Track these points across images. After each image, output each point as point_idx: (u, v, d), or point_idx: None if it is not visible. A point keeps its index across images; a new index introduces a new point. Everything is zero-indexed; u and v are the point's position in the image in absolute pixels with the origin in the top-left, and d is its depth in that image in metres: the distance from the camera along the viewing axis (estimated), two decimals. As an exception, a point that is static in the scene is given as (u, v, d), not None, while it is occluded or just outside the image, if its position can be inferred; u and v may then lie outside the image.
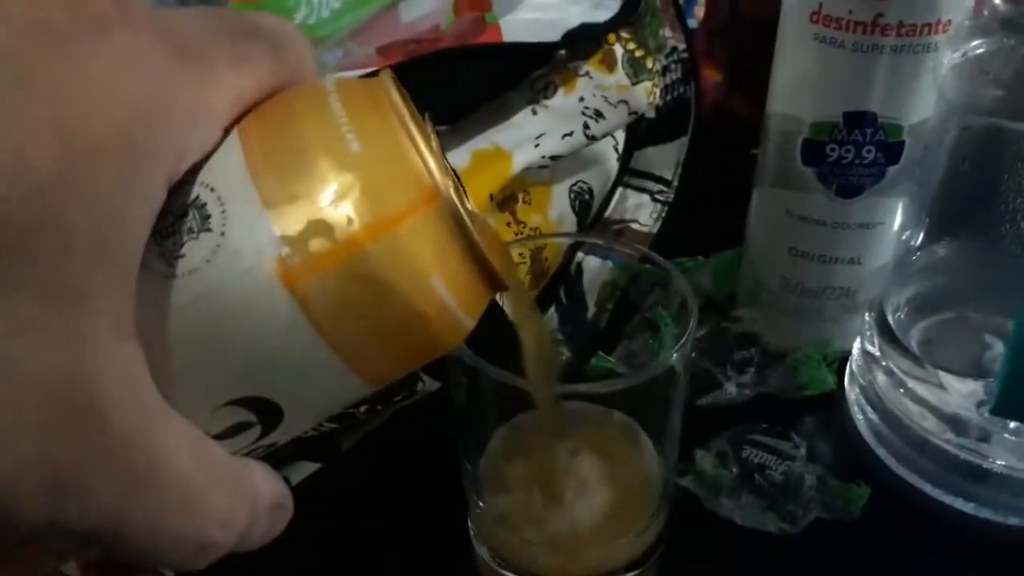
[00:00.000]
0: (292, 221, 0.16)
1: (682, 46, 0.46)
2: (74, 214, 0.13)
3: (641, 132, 0.46)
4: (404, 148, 0.17)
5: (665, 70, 0.46)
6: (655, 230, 0.47)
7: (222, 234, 0.16)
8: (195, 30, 0.16)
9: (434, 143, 0.19)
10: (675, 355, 0.25)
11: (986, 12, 0.29)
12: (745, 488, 0.33)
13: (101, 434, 0.14)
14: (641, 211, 0.48)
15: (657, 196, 0.48)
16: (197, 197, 0.16)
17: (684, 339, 0.26)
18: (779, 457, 0.33)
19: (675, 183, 0.48)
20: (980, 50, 0.29)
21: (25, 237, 0.13)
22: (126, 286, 0.14)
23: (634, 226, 0.48)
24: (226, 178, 0.17)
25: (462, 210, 0.17)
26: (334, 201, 0.16)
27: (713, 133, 0.49)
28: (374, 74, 0.21)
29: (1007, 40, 0.27)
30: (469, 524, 0.32)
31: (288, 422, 0.19)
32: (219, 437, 0.18)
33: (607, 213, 0.47)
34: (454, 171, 0.26)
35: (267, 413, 0.18)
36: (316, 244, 0.16)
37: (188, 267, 0.16)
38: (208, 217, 0.16)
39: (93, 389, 0.14)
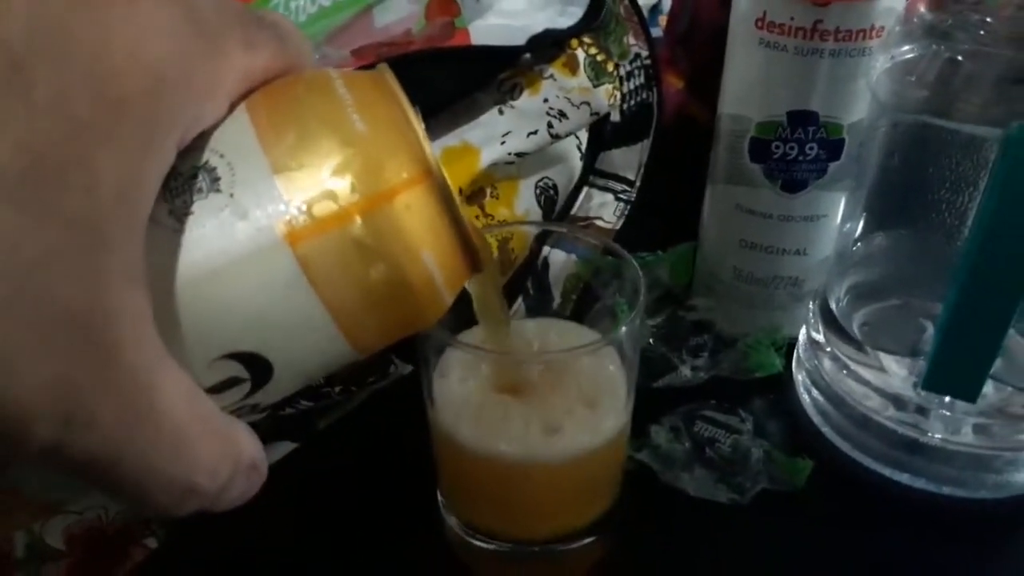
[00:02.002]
0: (299, 187, 0.18)
1: (645, 53, 0.49)
2: (102, 157, 0.15)
3: (606, 135, 0.49)
4: (404, 129, 0.19)
5: (629, 76, 0.49)
6: (618, 227, 0.49)
7: (231, 195, 0.18)
8: (210, 11, 0.18)
9: (422, 128, 0.21)
10: (624, 328, 0.27)
11: (915, 19, 0.31)
12: (697, 461, 0.35)
13: (110, 367, 0.15)
14: (605, 209, 0.50)
15: (620, 195, 0.50)
16: (207, 162, 0.18)
17: (633, 314, 0.28)
18: (728, 431, 0.35)
19: (637, 183, 0.51)
20: (909, 55, 0.31)
21: (60, 172, 0.14)
22: (138, 234, 0.16)
23: (599, 223, 0.50)
24: (236, 145, 0.18)
25: (452, 190, 0.19)
26: (339, 172, 0.18)
27: (674, 136, 0.51)
28: (369, 67, 0.23)
29: (931, 45, 0.30)
30: (438, 496, 0.34)
31: (276, 381, 0.20)
32: (211, 391, 0.19)
33: (573, 211, 0.50)
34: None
35: (258, 370, 0.20)
36: (320, 208, 0.18)
37: (196, 223, 0.18)
38: (218, 180, 0.18)
39: (107, 324, 0.15)
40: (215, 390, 0.20)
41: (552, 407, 0.29)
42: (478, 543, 0.32)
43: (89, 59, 0.15)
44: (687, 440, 0.35)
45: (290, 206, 0.18)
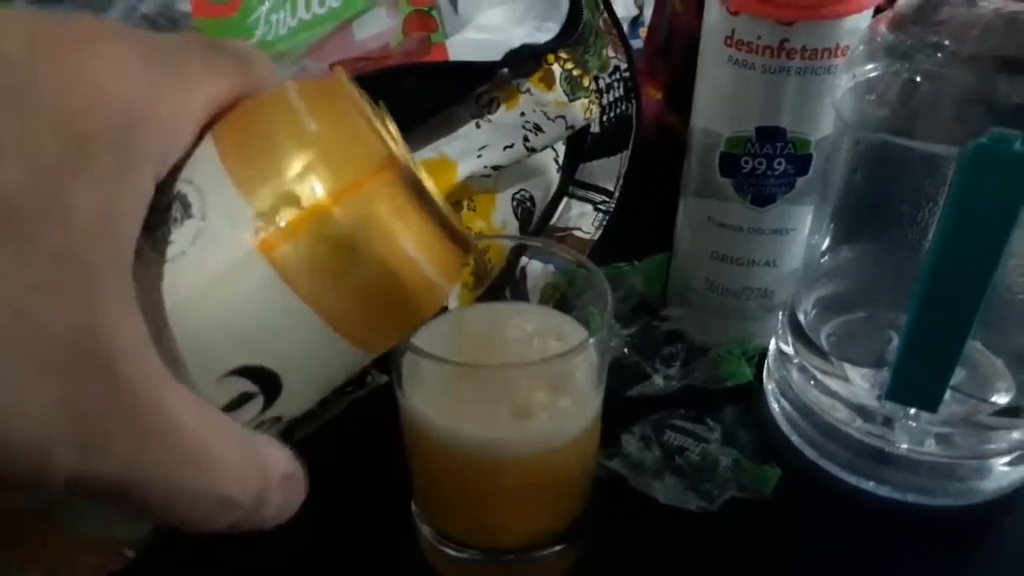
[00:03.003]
0: (263, 197, 0.18)
1: (624, 65, 0.49)
2: (76, 194, 0.15)
3: (586, 146, 0.49)
4: (356, 123, 0.19)
5: (608, 88, 0.49)
6: (596, 237, 0.50)
7: (203, 219, 0.18)
8: (171, 45, 0.18)
9: (390, 125, 0.21)
10: (592, 340, 0.28)
11: (877, 39, 0.32)
12: (668, 469, 0.36)
13: (115, 387, 0.16)
14: (584, 220, 0.51)
15: (600, 206, 0.51)
16: (179, 191, 0.19)
17: (601, 323, 0.29)
18: (696, 440, 0.36)
19: (616, 193, 0.51)
20: (871, 74, 0.32)
21: (36, 209, 0.15)
22: (124, 264, 0.17)
23: (577, 233, 0.51)
24: (203, 171, 0.19)
25: (418, 175, 0.20)
26: (299, 175, 0.19)
27: (653, 147, 0.52)
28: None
29: (892, 65, 0.31)
30: (412, 506, 0.34)
31: (289, 391, 0.20)
32: (227, 410, 0.20)
33: (553, 221, 0.50)
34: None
35: (266, 382, 0.20)
36: (286, 213, 0.18)
37: (176, 251, 0.18)
38: (190, 206, 0.19)
39: (106, 345, 0.16)
40: (230, 408, 0.20)
41: (521, 390, 0.30)
42: (451, 551, 0.33)
43: (53, 99, 0.16)
44: (657, 449, 0.36)
45: (257, 217, 0.18)
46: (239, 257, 0.18)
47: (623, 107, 0.50)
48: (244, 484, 0.19)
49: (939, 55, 0.29)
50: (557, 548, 0.33)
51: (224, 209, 0.19)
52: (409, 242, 0.19)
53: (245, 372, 0.20)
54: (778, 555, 0.34)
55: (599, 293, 0.33)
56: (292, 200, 0.19)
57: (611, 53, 0.49)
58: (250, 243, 0.18)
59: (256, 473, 0.19)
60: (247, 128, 0.19)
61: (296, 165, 0.19)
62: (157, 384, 0.17)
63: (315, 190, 0.19)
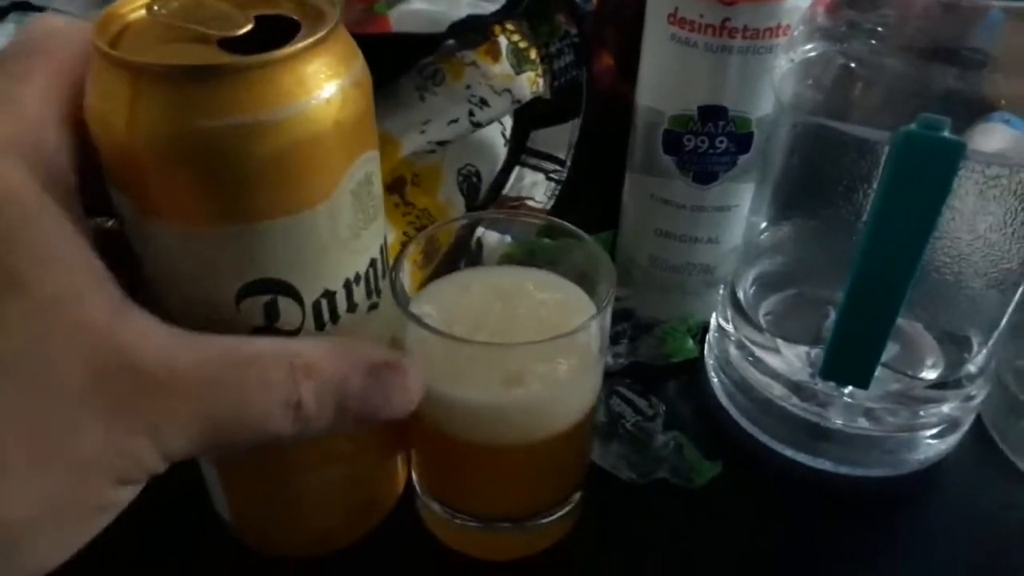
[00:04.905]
0: None
1: (575, 31, 0.49)
2: None
3: (536, 112, 0.49)
4: None
5: (559, 53, 0.49)
6: (548, 207, 0.50)
7: None
8: None
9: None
10: (593, 324, 0.28)
11: (815, 21, 0.32)
12: (615, 435, 0.36)
13: None
14: (536, 189, 0.51)
15: (552, 175, 0.51)
16: None
17: (606, 300, 0.29)
18: (634, 411, 0.37)
19: (568, 162, 0.51)
20: (810, 54, 0.32)
21: None
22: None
23: (530, 203, 0.50)
24: None
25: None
26: None
27: (607, 115, 0.52)
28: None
29: (828, 48, 0.31)
30: (412, 476, 0.34)
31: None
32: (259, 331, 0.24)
33: (505, 191, 0.50)
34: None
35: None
36: None
37: None
38: None
39: None
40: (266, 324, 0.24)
41: (520, 362, 0.29)
42: (451, 519, 0.33)
43: None
44: (604, 414, 0.37)
45: None
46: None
47: (573, 73, 0.50)
48: (280, 382, 0.21)
49: (873, 41, 0.30)
50: (556, 515, 0.33)
51: None
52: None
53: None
54: (710, 527, 0.35)
55: (601, 263, 0.32)
56: None
57: (562, 18, 0.49)
58: None
59: (282, 371, 0.21)
60: None
61: None
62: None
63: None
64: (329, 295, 0.25)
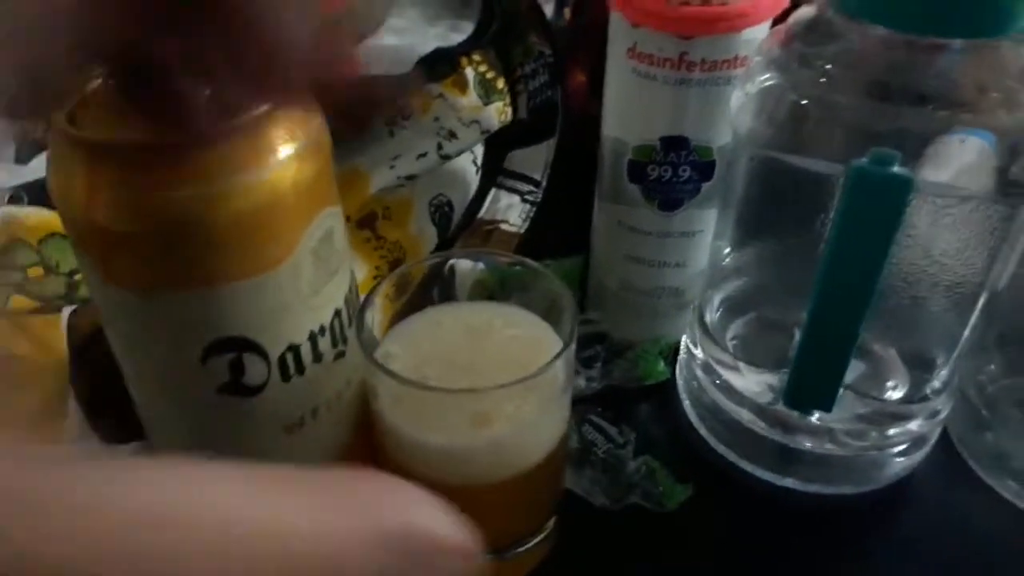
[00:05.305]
0: None
1: (548, 51, 0.50)
2: None
3: (512, 134, 0.50)
4: None
5: (534, 74, 0.50)
6: (523, 230, 0.50)
7: None
8: None
9: None
10: (559, 361, 0.29)
11: (768, 55, 0.33)
12: (587, 462, 0.37)
13: None
14: (511, 211, 0.51)
15: (527, 197, 0.52)
16: None
17: (569, 336, 0.29)
18: (606, 439, 0.37)
19: (544, 183, 0.52)
20: (766, 84, 0.33)
21: None
22: None
23: (504, 226, 0.51)
24: None
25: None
26: None
27: (581, 132, 0.52)
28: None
29: (780, 81, 0.32)
30: None
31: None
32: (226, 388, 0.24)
33: (480, 214, 0.51)
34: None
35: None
36: None
37: None
38: None
39: None
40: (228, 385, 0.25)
41: (489, 404, 0.29)
42: None
43: None
44: (577, 441, 0.37)
45: None
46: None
47: (548, 93, 0.50)
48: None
49: (823, 79, 0.30)
50: (531, 543, 0.34)
51: None
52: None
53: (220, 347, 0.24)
54: (682, 549, 0.36)
55: (542, 294, 0.32)
56: None
57: (535, 39, 0.49)
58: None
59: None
60: None
61: None
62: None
63: None
64: (294, 348, 0.26)
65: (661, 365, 0.42)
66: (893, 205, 0.29)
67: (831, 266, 0.31)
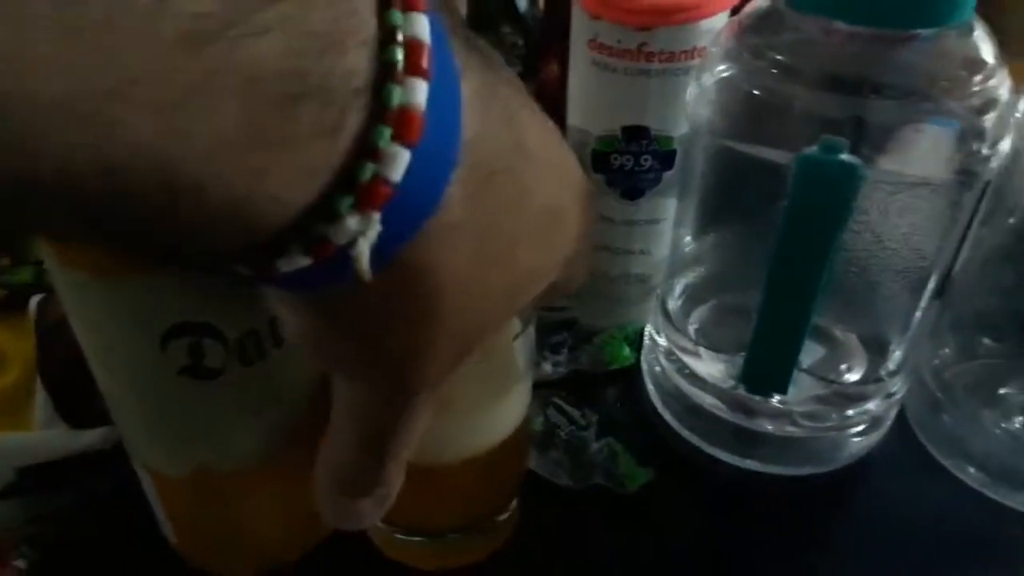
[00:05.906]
0: None
1: (521, 41, 0.50)
2: None
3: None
4: None
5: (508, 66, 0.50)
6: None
7: None
8: None
9: None
10: (517, 342, 0.30)
11: (721, 46, 0.34)
12: (552, 444, 0.38)
13: None
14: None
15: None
16: None
17: (529, 318, 0.30)
18: (568, 422, 0.38)
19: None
20: (723, 74, 0.34)
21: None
22: None
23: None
24: None
25: None
26: None
27: (556, 124, 0.53)
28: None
29: (734, 71, 0.32)
30: None
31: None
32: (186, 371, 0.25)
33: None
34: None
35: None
36: None
37: None
38: None
39: None
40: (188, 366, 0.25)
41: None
42: (398, 536, 0.34)
43: None
44: (542, 424, 0.38)
45: None
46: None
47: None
48: None
49: (775, 70, 0.31)
50: (495, 522, 0.35)
51: None
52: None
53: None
54: (643, 529, 0.36)
55: None
56: None
57: (507, 30, 0.50)
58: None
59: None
60: None
61: None
62: None
63: None
64: (253, 333, 0.26)
65: (627, 350, 0.43)
66: (841, 192, 0.30)
67: (782, 252, 0.32)
